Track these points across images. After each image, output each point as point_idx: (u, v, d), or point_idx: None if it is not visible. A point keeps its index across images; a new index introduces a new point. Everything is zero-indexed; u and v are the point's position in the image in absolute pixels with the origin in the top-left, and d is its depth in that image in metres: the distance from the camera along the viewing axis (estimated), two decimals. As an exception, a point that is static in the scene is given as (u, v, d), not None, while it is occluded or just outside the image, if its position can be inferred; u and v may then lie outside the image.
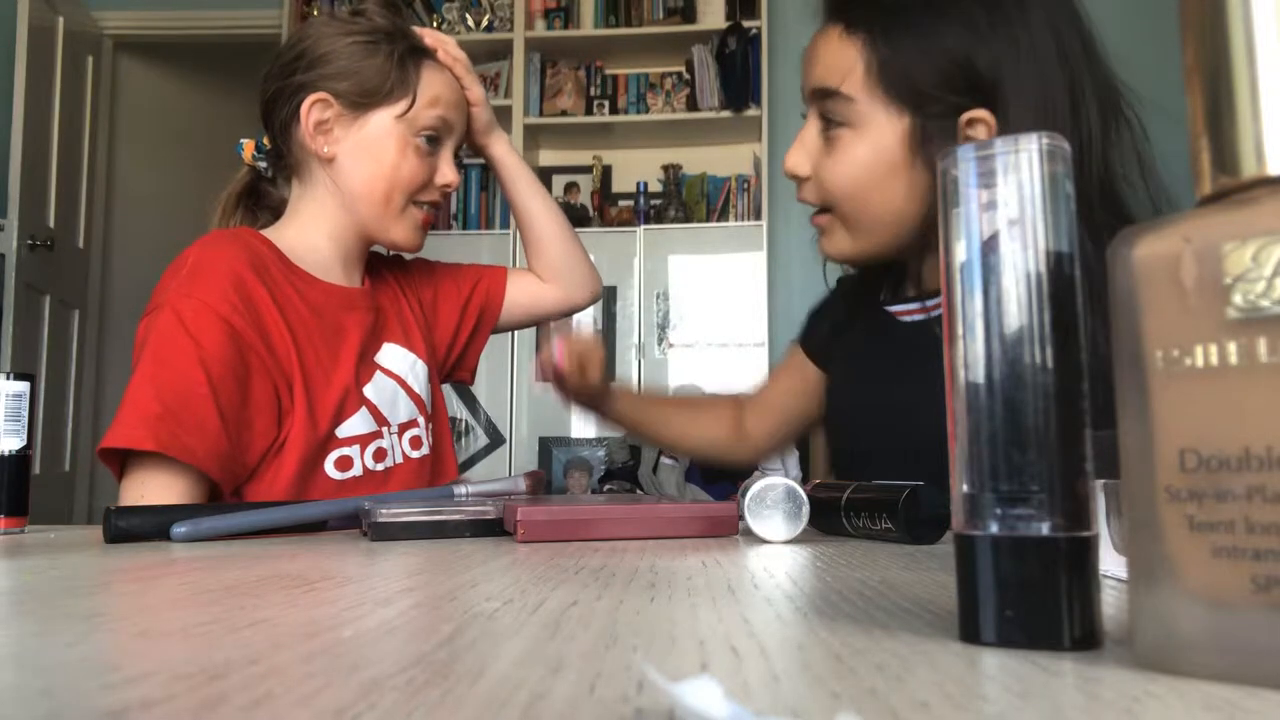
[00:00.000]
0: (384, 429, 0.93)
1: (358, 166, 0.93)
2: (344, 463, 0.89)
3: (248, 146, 1.00)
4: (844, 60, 0.78)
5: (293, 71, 0.92)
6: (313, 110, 0.91)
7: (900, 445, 0.74)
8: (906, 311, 0.89)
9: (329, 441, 0.88)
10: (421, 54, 0.95)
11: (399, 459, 0.94)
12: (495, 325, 1.12)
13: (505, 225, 3.39)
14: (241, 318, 0.83)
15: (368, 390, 0.93)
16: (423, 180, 0.95)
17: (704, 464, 1.16)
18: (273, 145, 0.97)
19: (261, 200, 1.01)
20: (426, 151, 0.95)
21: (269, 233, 0.94)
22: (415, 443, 0.97)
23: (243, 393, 0.82)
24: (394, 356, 0.98)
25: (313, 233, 0.95)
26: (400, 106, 0.92)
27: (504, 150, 1.09)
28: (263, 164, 1.00)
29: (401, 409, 0.96)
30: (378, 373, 0.95)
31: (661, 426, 1.11)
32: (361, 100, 0.92)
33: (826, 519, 0.61)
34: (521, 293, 1.11)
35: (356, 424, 0.90)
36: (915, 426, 0.80)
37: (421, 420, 0.98)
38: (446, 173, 0.97)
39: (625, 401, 1.07)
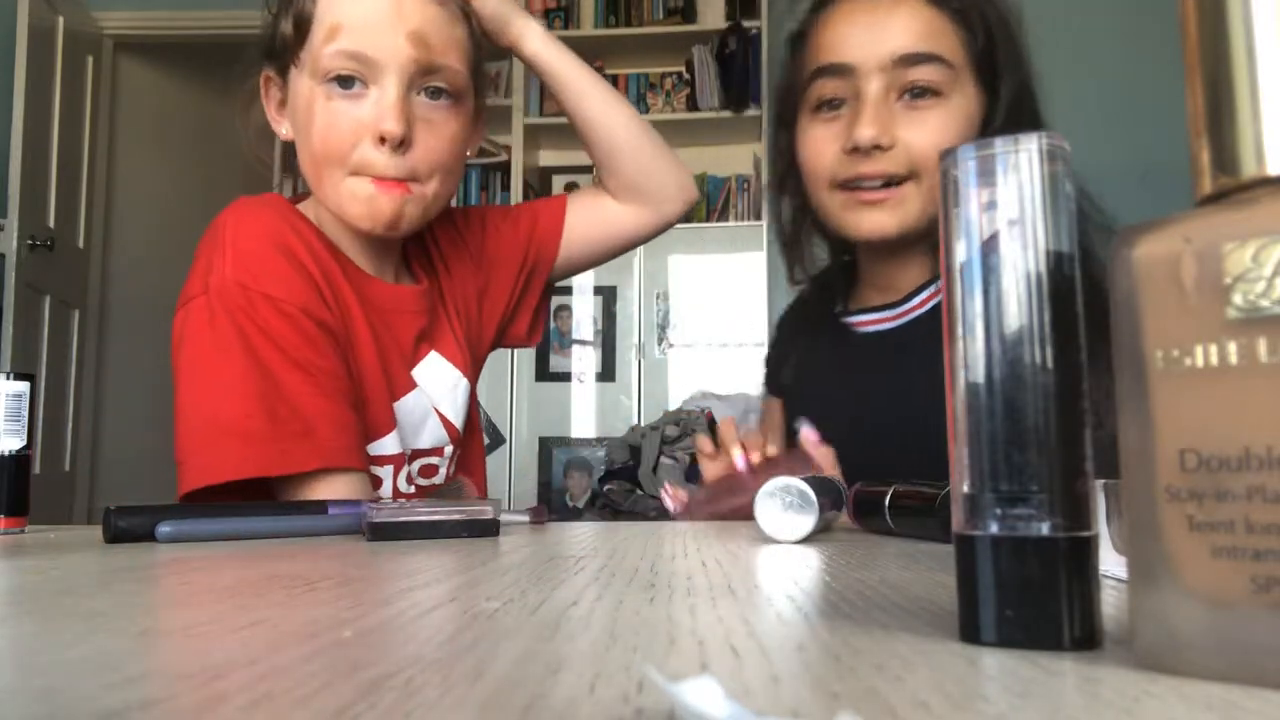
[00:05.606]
0: (404, 453, 0.82)
1: (297, 141, 0.78)
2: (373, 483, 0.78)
3: None
4: (938, 29, 0.82)
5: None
6: (268, 92, 0.81)
7: (867, 461, 0.74)
8: (867, 322, 0.89)
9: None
10: None
11: (416, 485, 0.84)
12: (550, 276, 0.94)
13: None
14: (316, 299, 0.73)
15: (398, 407, 0.81)
16: (344, 141, 0.73)
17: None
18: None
19: None
20: (344, 98, 0.73)
21: (302, 207, 0.80)
22: (428, 471, 0.86)
23: (341, 367, 0.73)
24: (436, 373, 0.85)
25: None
26: (304, 56, 0.74)
27: (538, 45, 0.83)
28: None
29: (425, 436, 0.84)
30: (414, 391, 0.83)
31: None
32: (278, 63, 0.78)
33: (871, 516, 0.64)
34: (586, 225, 0.91)
35: (388, 444, 0.79)
36: (879, 440, 0.79)
37: (448, 449, 0.86)
38: (383, 117, 0.72)
39: None
